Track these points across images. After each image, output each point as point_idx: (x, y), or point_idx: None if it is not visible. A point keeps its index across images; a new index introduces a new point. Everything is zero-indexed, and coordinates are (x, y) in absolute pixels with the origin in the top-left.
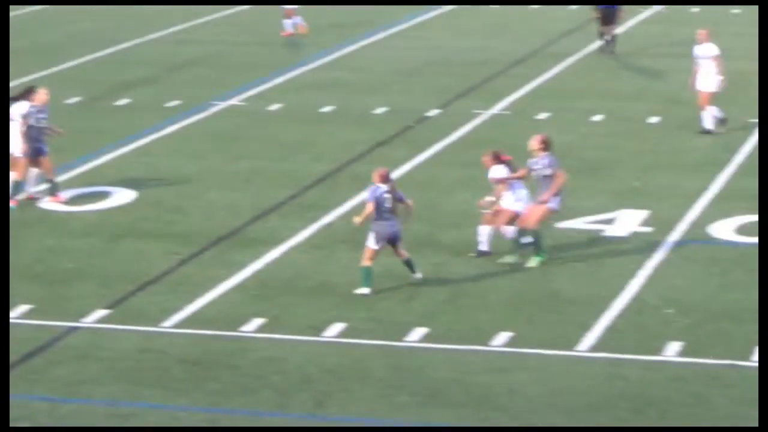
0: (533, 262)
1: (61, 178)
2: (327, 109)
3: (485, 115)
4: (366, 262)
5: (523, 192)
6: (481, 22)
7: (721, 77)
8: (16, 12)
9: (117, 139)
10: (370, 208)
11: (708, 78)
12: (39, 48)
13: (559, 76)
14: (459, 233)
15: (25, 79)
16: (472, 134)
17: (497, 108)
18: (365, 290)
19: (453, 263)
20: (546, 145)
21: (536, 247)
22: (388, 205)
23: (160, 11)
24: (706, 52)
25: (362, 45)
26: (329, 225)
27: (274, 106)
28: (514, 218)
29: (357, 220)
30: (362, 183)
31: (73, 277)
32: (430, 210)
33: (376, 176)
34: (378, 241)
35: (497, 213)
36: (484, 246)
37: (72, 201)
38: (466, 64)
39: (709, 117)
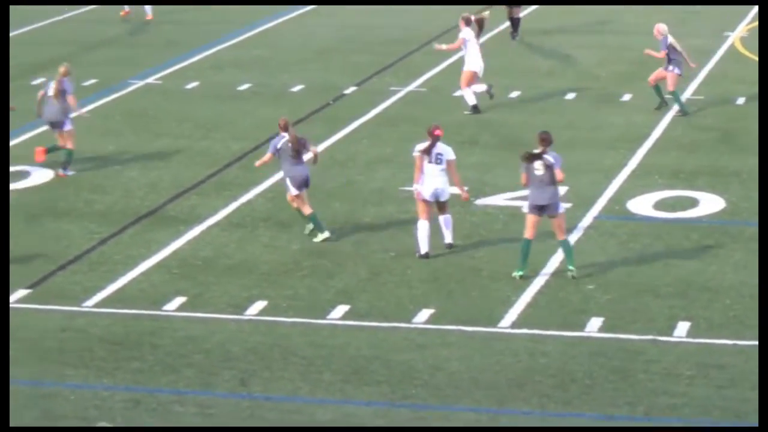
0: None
1: None
2: (244, 87)
3: (402, 92)
4: (306, 210)
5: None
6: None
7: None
8: None
9: (34, 119)
10: (268, 156)
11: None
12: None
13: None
14: (379, 210)
15: None
16: (389, 111)
17: (413, 85)
18: (326, 234)
19: (373, 241)
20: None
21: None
22: (291, 152)
23: None
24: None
25: (278, 23)
26: (249, 203)
27: (191, 84)
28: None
29: (257, 163)
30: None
31: None
32: (349, 188)
33: (279, 125)
34: (296, 186)
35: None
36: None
37: None
38: (381, 41)
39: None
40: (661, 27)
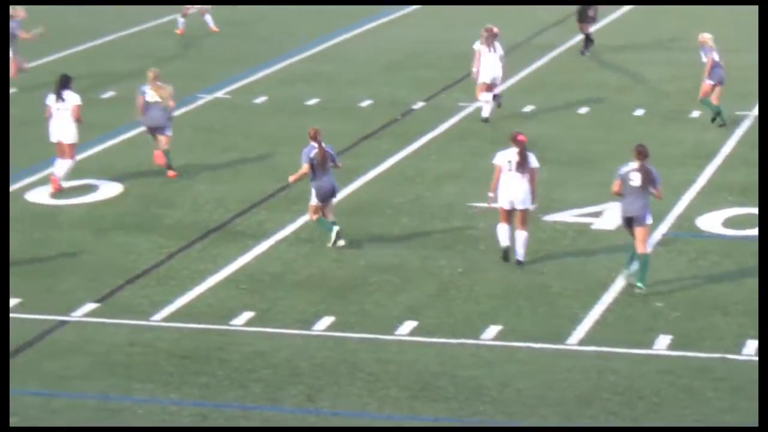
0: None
1: (47, 172)
2: (312, 101)
3: (470, 107)
4: (312, 216)
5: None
6: (465, 15)
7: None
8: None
9: (103, 132)
10: (305, 167)
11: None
12: (25, 42)
13: (544, 68)
14: (447, 226)
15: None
16: (458, 127)
17: (482, 100)
18: (334, 231)
19: (441, 256)
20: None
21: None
22: (318, 163)
23: (141, 6)
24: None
25: (346, 37)
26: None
27: (260, 99)
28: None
29: (291, 178)
30: (350, 176)
31: (62, 271)
32: (417, 203)
33: (309, 134)
34: (320, 197)
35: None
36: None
37: (58, 195)
38: (449, 56)
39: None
40: (704, 36)
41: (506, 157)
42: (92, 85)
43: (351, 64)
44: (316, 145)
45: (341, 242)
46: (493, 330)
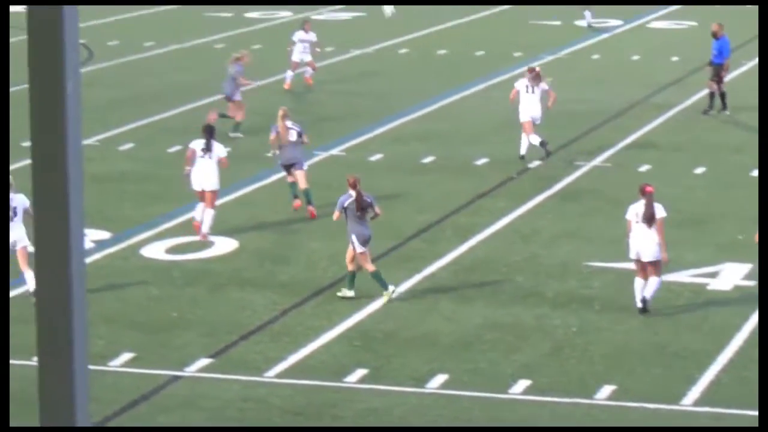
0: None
1: (163, 227)
2: (428, 159)
3: (586, 166)
4: (370, 268)
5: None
6: (582, 73)
7: None
8: (117, 61)
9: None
10: (336, 214)
11: None
12: (140, 97)
13: (661, 128)
14: (561, 285)
15: (126, 128)
16: (574, 186)
17: (598, 160)
18: (391, 288)
19: (556, 315)
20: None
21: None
22: (357, 210)
23: (260, 62)
24: None
25: (462, 96)
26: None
27: (375, 156)
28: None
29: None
30: (464, 234)
31: (176, 326)
32: (532, 262)
33: (348, 182)
34: (361, 243)
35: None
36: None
37: (174, 250)
38: (567, 115)
39: None
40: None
41: (635, 210)
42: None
43: (466, 123)
44: (353, 193)
45: (347, 294)
46: (606, 390)
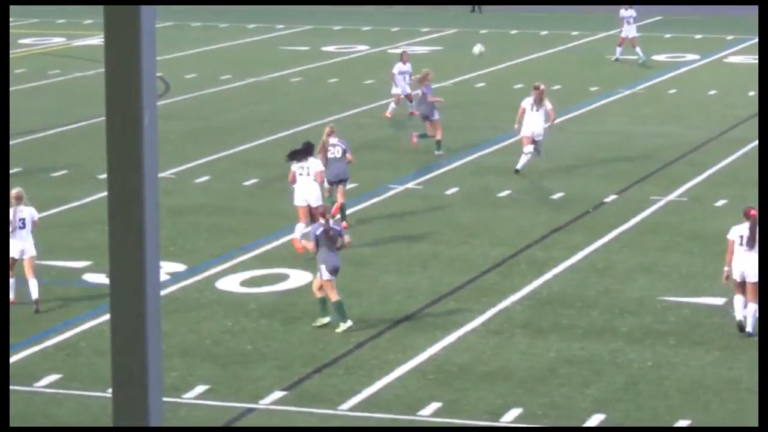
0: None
1: (238, 260)
2: (504, 193)
3: (662, 201)
4: (333, 297)
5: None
6: (658, 108)
7: None
8: (194, 94)
9: (295, 221)
10: (311, 246)
11: None
12: (216, 130)
13: (737, 163)
14: (636, 320)
15: (202, 161)
16: (649, 220)
17: (674, 194)
18: (348, 324)
19: (630, 350)
20: None
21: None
22: (326, 240)
23: (336, 96)
24: None
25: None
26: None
27: (451, 190)
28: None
29: (309, 247)
30: (540, 268)
31: (251, 359)
32: (607, 296)
33: (316, 213)
34: (329, 271)
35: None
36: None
37: (249, 282)
38: (643, 149)
39: None
40: None
41: (739, 232)
42: (283, 174)
43: (544, 158)
44: (323, 222)
45: (322, 321)
46: (681, 425)
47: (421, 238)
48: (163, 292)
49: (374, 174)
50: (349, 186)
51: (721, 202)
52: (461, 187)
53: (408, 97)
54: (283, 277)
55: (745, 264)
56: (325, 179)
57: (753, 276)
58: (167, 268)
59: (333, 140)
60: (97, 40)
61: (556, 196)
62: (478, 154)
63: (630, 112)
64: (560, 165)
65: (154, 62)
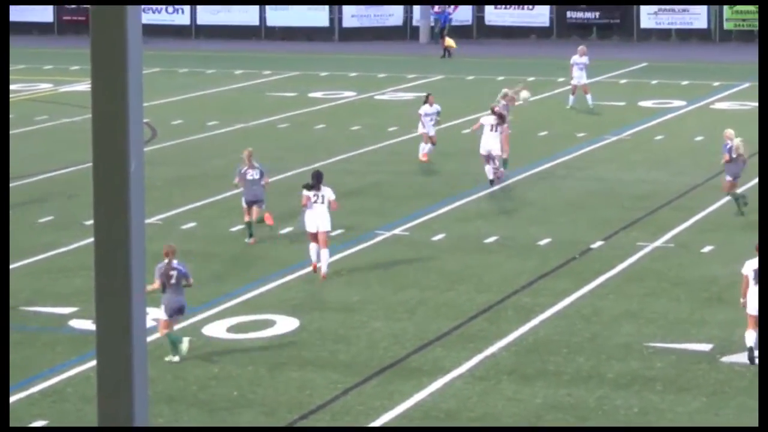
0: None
1: (224, 306)
2: (491, 239)
3: (649, 247)
4: (162, 331)
5: None
6: (645, 154)
7: None
8: (180, 140)
9: (280, 268)
10: (155, 284)
11: None
12: (203, 176)
13: (724, 209)
14: (623, 366)
15: (189, 207)
16: (636, 266)
17: (661, 240)
18: (174, 358)
19: (617, 396)
20: None
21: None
22: (173, 280)
23: (323, 142)
24: None
25: (526, 175)
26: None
27: (438, 236)
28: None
29: (149, 287)
30: (526, 314)
31: (237, 405)
32: (593, 342)
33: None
34: (168, 313)
35: None
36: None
37: (235, 328)
38: (629, 196)
39: None
40: (727, 132)
41: (752, 266)
42: (275, 222)
43: (530, 203)
44: (166, 262)
45: (177, 358)
46: None
47: (408, 285)
48: (149, 338)
49: (361, 220)
50: (336, 232)
51: (707, 248)
52: (448, 233)
53: (432, 139)
54: (270, 323)
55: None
56: (243, 199)
57: None
58: (154, 314)
59: (252, 164)
60: (85, 86)
61: (542, 242)
62: (465, 200)
63: (617, 158)
64: (547, 211)
65: (140, 108)
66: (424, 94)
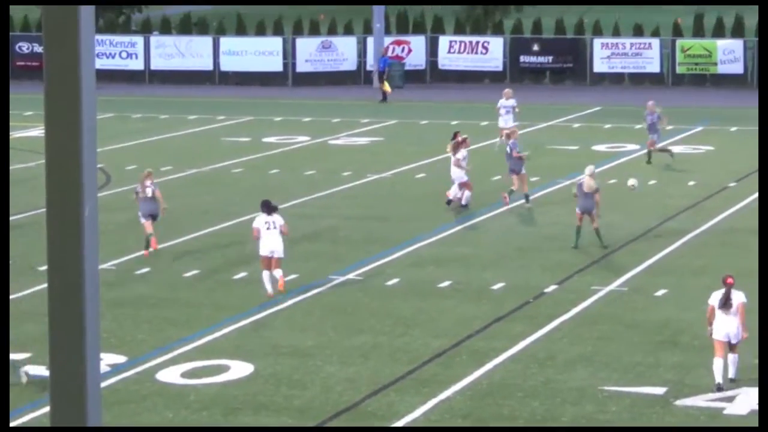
0: None
1: (178, 351)
2: (444, 284)
3: (603, 291)
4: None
5: None
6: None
7: None
8: (134, 185)
9: (235, 313)
10: None
11: None
12: (159, 220)
13: (676, 253)
14: (577, 410)
15: (143, 252)
16: (590, 310)
17: (614, 284)
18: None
19: None
20: None
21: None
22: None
23: (277, 187)
24: None
25: (479, 220)
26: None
27: (392, 281)
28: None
29: None
30: (481, 358)
31: None
32: (547, 387)
33: None
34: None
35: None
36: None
37: (190, 374)
38: (583, 239)
39: None
40: (588, 169)
41: (718, 297)
42: (224, 266)
43: (484, 247)
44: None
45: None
46: None
47: (362, 329)
48: (103, 384)
49: (316, 264)
50: (290, 277)
51: (661, 292)
52: (402, 277)
53: (467, 186)
54: (224, 369)
55: (729, 325)
56: (139, 214)
57: (736, 336)
58: (108, 359)
59: (147, 183)
60: (38, 131)
61: (496, 287)
62: (419, 244)
63: (570, 202)
64: (501, 255)
65: (94, 153)
66: (381, 138)
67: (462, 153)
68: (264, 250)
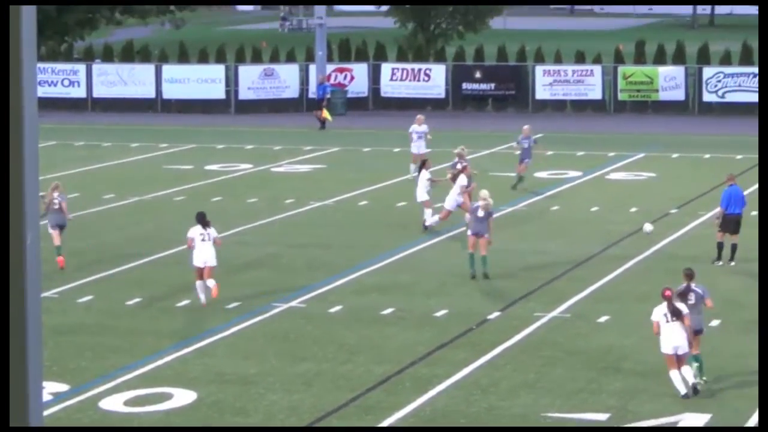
0: None
1: (121, 380)
2: (387, 311)
3: (545, 317)
4: None
5: None
6: (540, 225)
7: None
8: (76, 213)
9: (178, 341)
10: None
11: None
12: (100, 249)
13: (619, 279)
14: None
15: (85, 280)
16: (533, 337)
17: (557, 311)
18: None
19: None
20: None
21: None
22: None
23: (220, 214)
24: None
25: (422, 247)
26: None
27: (334, 308)
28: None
29: None
30: (424, 385)
31: None
32: (491, 413)
33: None
34: None
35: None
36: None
37: (133, 402)
38: (525, 266)
39: None
40: (482, 193)
41: (662, 311)
42: (166, 294)
43: (426, 275)
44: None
45: None
46: None
47: (305, 357)
48: (46, 413)
49: (258, 292)
50: (233, 304)
51: (603, 318)
52: (344, 305)
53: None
54: (167, 396)
55: (677, 337)
56: (48, 224)
57: (684, 348)
58: (50, 388)
59: (55, 195)
60: None
61: (439, 314)
62: (361, 272)
63: (512, 228)
64: (443, 283)
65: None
66: (324, 165)
67: (463, 179)
68: (197, 261)
